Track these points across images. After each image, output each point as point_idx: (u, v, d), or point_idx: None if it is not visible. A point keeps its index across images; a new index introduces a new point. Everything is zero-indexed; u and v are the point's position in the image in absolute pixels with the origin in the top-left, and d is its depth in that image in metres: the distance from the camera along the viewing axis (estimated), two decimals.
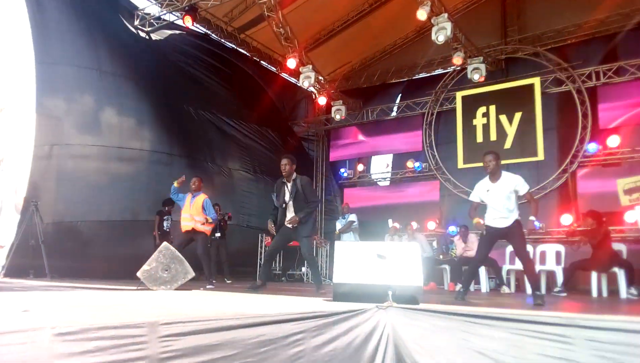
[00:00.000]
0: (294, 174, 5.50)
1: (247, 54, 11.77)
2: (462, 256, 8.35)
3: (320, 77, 11.05)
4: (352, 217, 9.38)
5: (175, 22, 9.91)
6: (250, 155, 11.75)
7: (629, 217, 8.42)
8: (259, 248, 11.26)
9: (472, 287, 8.55)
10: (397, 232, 9.36)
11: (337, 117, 11.91)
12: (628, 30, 9.60)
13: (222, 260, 9.25)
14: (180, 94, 10.29)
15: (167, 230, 8.63)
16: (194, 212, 6.55)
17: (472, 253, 7.78)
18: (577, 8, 10.14)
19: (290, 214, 5.43)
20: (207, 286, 6.54)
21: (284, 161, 5.47)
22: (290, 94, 13.40)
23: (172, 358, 1.84)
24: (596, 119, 9.75)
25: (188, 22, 9.11)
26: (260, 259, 11.26)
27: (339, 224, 9.62)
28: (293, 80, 12.35)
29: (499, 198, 4.71)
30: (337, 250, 3.60)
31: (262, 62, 12.24)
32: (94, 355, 1.62)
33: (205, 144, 10.64)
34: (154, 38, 10.28)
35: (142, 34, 10.03)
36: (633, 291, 6.43)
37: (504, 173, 4.84)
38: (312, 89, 11.38)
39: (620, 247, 7.37)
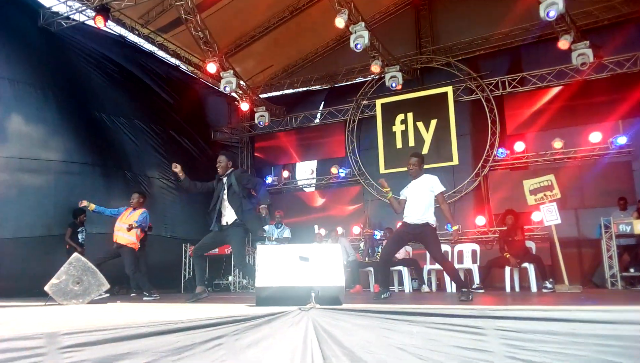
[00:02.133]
0: (229, 170, 5.30)
1: (165, 59, 11.41)
2: None
3: (242, 83, 10.92)
4: (288, 233, 9.30)
5: (86, 22, 9.34)
6: (171, 162, 11.30)
7: (536, 217, 9.09)
8: (183, 259, 10.90)
9: (396, 289, 8.82)
10: (322, 239, 9.42)
11: (261, 123, 11.84)
12: (529, 44, 10.42)
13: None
14: (93, 100, 9.69)
15: (82, 242, 8.12)
16: (126, 223, 6.37)
17: (399, 255, 8.00)
18: (484, 21, 10.84)
19: (226, 211, 5.16)
20: (145, 298, 6.29)
21: (220, 158, 5.30)
22: (212, 100, 13.12)
23: None
24: (504, 126, 10.45)
25: (100, 22, 8.62)
26: (185, 270, 10.90)
27: (273, 232, 9.40)
28: (215, 86, 12.13)
29: (416, 193, 4.92)
30: (259, 254, 3.54)
31: (181, 66, 11.92)
32: None
33: (121, 152, 10.12)
34: (63, 39, 9.63)
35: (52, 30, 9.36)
36: (548, 284, 6.88)
37: (425, 174, 5.07)
38: (234, 95, 11.23)
39: (530, 244, 7.92)
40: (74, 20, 9.22)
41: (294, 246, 3.63)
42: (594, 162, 9.64)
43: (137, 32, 10.37)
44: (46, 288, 4.23)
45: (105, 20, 8.69)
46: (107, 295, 4.78)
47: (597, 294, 5.91)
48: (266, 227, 9.48)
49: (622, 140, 9.23)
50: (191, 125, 12.07)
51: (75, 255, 4.43)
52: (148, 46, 11.05)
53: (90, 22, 9.05)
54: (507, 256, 7.26)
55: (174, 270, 10.59)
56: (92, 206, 6.87)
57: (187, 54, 11.57)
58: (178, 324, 2.18)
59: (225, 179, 5.25)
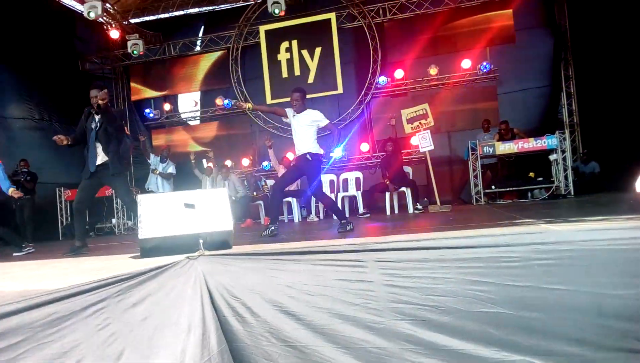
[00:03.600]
0: (103, 106, 4.71)
1: None
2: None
3: (108, 6, 9.81)
4: (172, 169, 8.91)
5: None
6: (32, 100, 10.09)
7: (413, 141, 9.69)
8: (58, 204, 10.11)
9: (285, 218, 9.05)
10: (212, 173, 9.23)
11: (135, 52, 10.90)
12: None
13: (23, 222, 8.26)
14: None
15: None
16: None
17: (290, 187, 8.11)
18: None
19: (98, 150, 4.77)
20: (15, 254, 5.74)
21: (93, 93, 4.70)
22: (79, 26, 11.65)
23: None
24: (385, 53, 10.73)
25: None
26: (62, 216, 10.15)
27: (157, 165, 8.92)
28: (78, 8, 10.75)
29: (299, 128, 4.94)
30: (140, 204, 3.38)
31: None
32: None
33: None
34: None
35: None
36: (419, 206, 7.52)
37: (308, 109, 5.05)
38: (101, 20, 10.09)
39: (407, 169, 8.50)
40: None
41: (178, 194, 3.50)
42: (464, 87, 10.38)
43: None
44: None
45: None
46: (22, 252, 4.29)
47: (464, 212, 6.59)
48: (151, 158, 9.04)
49: (488, 66, 9.97)
50: (54, 55, 10.71)
51: None
52: None
53: None
54: (387, 182, 7.77)
55: (49, 216, 9.81)
56: None
57: None
58: (52, 294, 2.04)
59: (98, 117, 4.80)
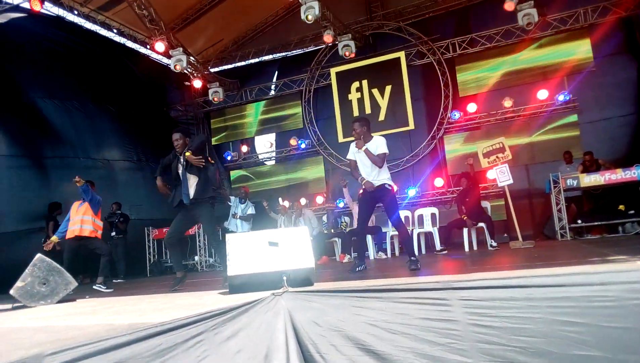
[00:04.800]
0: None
1: (110, 37, 10.93)
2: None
3: (192, 59, 10.63)
4: (252, 210, 9.32)
5: (21, 4, 8.81)
6: (131, 143, 11.03)
7: (490, 175, 9.46)
8: (147, 242, 10.80)
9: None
10: (287, 211, 9.51)
11: (215, 99, 11.66)
12: (476, 4, 10.58)
13: (118, 259, 8.94)
14: (36, 85, 9.27)
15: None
16: (81, 215, 6.23)
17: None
18: None
19: (191, 189, 5.05)
20: (94, 287, 6.23)
21: (176, 136, 5.10)
22: (164, 78, 12.73)
23: None
24: (456, 88, 10.69)
25: (36, 5, 8.15)
26: (149, 253, 10.82)
27: (237, 207, 9.38)
28: (165, 62, 11.76)
29: (363, 159, 4.92)
30: (228, 242, 3.60)
31: (127, 43, 11.45)
32: None
33: (74, 137, 9.76)
34: None
35: None
36: (493, 243, 7.30)
37: (375, 136, 5.01)
38: (186, 71, 10.94)
39: (485, 204, 8.30)
40: (6, 3, 8.68)
41: (262, 233, 3.69)
42: (541, 118, 10.05)
43: (76, 11, 9.85)
44: (11, 292, 4.15)
45: (42, 1, 8.21)
46: (72, 292, 4.72)
47: (549, 248, 6.30)
48: (231, 200, 9.48)
49: (566, 96, 9.63)
50: (146, 104, 11.74)
51: (39, 255, 4.34)
52: (89, 26, 10.51)
53: (25, 5, 8.54)
54: (465, 218, 7.60)
55: (138, 253, 10.49)
56: (56, 239, 6.47)
57: (132, 31, 11.11)
58: (158, 327, 2.23)
59: (183, 158, 5.12)
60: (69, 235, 6.38)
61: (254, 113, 12.72)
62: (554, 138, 9.86)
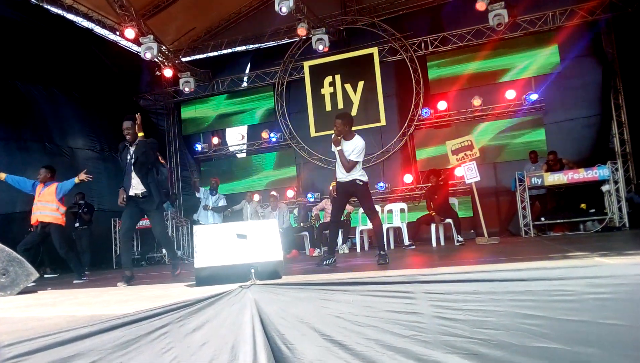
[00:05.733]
0: (137, 138, 4.93)
1: (77, 22, 10.59)
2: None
3: (163, 48, 10.42)
4: (223, 201, 9.23)
5: None
6: (95, 132, 10.74)
7: (458, 172, 9.62)
8: (113, 233, 10.57)
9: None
10: (252, 201, 9.45)
11: (187, 89, 11.48)
12: (448, 3, 10.70)
13: (82, 251, 8.72)
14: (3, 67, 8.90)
15: None
16: (43, 200, 6.04)
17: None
18: None
19: (134, 181, 4.89)
20: (75, 281, 6.07)
21: (127, 124, 4.84)
22: (132, 65, 12.41)
23: None
24: (427, 85, 10.81)
25: None
26: (116, 245, 10.59)
27: (208, 199, 9.27)
28: (135, 49, 11.48)
29: (342, 156, 4.87)
30: (196, 234, 3.55)
31: (95, 29, 11.12)
32: None
33: (39, 122, 9.43)
34: None
35: None
36: (460, 239, 7.46)
37: (357, 136, 4.92)
38: (156, 60, 10.72)
39: (453, 201, 8.44)
40: None
41: (231, 225, 3.66)
42: (509, 118, 10.27)
43: None
44: None
45: None
46: (35, 283, 4.59)
47: (513, 244, 6.46)
48: (201, 191, 9.38)
49: (533, 96, 9.87)
50: (112, 93, 11.43)
51: None
52: (55, 9, 10.15)
53: None
54: (433, 214, 7.73)
55: (104, 244, 10.27)
56: (3, 176, 6.18)
57: (101, 16, 10.80)
58: (121, 319, 2.18)
59: (133, 149, 4.93)
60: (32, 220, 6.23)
61: (225, 104, 12.58)
62: (520, 137, 10.11)
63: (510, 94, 10.10)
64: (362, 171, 4.94)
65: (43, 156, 9.10)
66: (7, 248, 4.25)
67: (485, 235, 7.19)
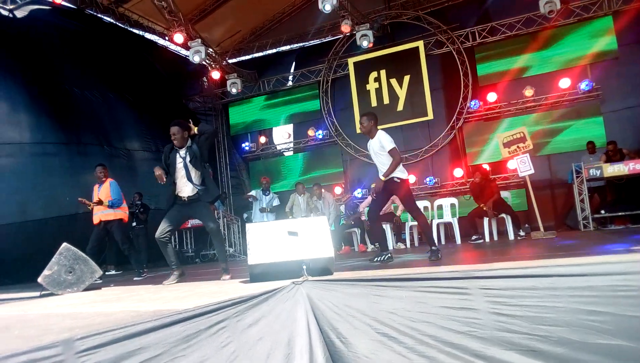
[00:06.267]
0: (189, 141, 4.86)
1: (129, 29, 11.03)
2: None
3: (210, 50, 10.67)
4: (277, 201, 9.34)
5: None
6: (150, 134, 11.13)
7: (510, 165, 9.36)
8: None
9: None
10: (304, 193, 9.48)
11: (234, 90, 11.69)
12: None
13: (140, 250, 9.07)
14: (58, 74, 9.37)
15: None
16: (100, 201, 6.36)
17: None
18: None
19: (182, 183, 4.85)
20: (135, 278, 6.35)
21: (174, 130, 4.74)
22: (181, 69, 12.79)
23: None
24: (475, 77, 10.54)
25: None
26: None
27: (262, 200, 9.40)
28: (183, 53, 11.84)
29: (373, 152, 4.90)
30: (248, 232, 3.64)
31: (145, 35, 11.55)
32: None
33: (96, 126, 9.89)
34: (18, 16, 9.25)
35: (4, 13, 8.98)
36: (521, 233, 7.26)
37: (379, 131, 4.89)
38: (204, 63, 11.00)
39: (505, 194, 8.21)
40: None
41: (282, 222, 3.73)
42: (563, 107, 9.87)
43: (95, 4, 9.94)
44: (39, 280, 4.27)
45: None
46: (100, 280, 4.84)
47: (571, 238, 6.21)
48: (253, 192, 9.53)
49: (589, 85, 9.43)
50: (164, 96, 11.85)
51: (65, 244, 4.45)
52: (108, 18, 10.61)
53: None
54: (485, 207, 7.54)
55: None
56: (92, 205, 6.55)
57: (151, 23, 11.20)
58: (182, 314, 2.27)
59: (182, 152, 4.85)
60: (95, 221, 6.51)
61: (271, 104, 12.75)
62: (575, 127, 9.68)
63: (565, 82, 9.69)
64: (400, 168, 4.85)
65: (102, 158, 9.52)
66: (73, 247, 4.50)
67: (541, 229, 6.95)
